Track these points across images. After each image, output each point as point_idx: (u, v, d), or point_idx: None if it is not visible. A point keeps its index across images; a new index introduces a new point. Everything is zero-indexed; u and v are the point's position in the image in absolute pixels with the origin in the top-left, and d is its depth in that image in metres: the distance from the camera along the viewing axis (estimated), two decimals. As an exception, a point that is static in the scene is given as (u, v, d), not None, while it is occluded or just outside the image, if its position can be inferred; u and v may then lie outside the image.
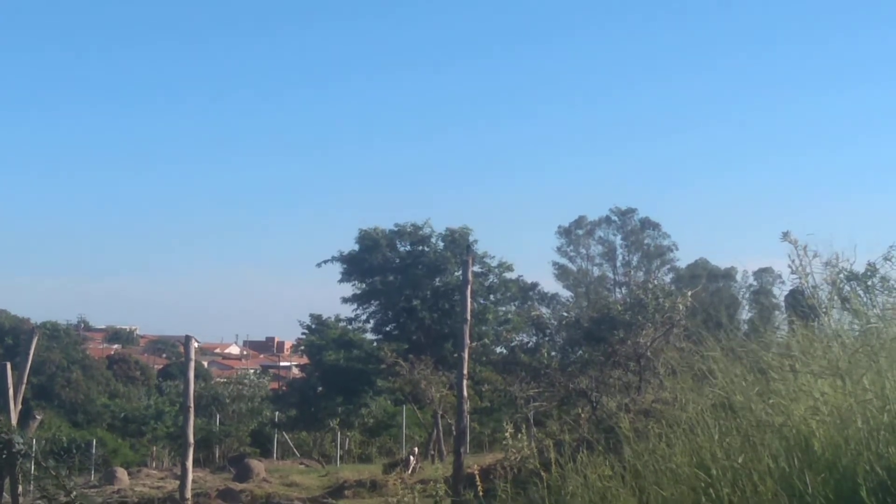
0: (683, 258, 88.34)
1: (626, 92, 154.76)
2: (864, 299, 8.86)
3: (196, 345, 14.01)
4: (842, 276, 9.09)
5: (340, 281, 51.56)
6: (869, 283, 9.32)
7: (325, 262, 51.82)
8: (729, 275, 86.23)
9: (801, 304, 9.15)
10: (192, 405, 13.09)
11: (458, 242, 48.70)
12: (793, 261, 9.08)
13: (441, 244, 50.89)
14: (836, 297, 8.85)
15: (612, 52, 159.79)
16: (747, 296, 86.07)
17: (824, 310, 8.63)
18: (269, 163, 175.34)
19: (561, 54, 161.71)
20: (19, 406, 13.70)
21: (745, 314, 75.22)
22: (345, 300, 51.18)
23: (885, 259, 9.41)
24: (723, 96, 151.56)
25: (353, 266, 50.90)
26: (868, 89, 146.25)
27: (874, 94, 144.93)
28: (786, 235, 9.19)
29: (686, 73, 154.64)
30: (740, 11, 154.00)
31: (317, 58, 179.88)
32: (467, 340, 12.91)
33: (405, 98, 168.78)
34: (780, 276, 67.06)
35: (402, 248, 51.62)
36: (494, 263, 51.26)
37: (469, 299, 13.21)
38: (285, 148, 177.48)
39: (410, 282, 49.83)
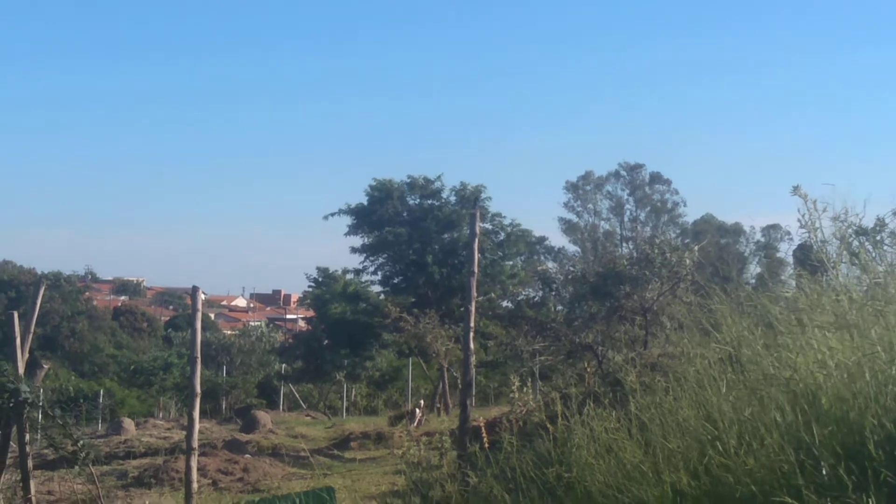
0: (691, 214, 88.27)
1: (637, 47, 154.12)
2: (873, 254, 8.83)
3: (203, 296, 14.00)
4: (850, 230, 9.04)
5: (348, 233, 51.49)
6: (878, 237, 9.27)
7: (333, 214, 51.69)
8: (736, 230, 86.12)
9: (809, 259, 9.12)
10: (198, 356, 13.10)
11: (470, 199, 48.59)
12: (802, 215, 9.04)
13: (454, 198, 50.75)
14: (844, 252, 8.81)
15: (623, 7, 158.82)
16: (755, 251, 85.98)
17: (832, 264, 8.59)
18: (276, 116, 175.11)
19: (572, 9, 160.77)
20: (26, 355, 13.73)
21: (752, 270, 75.18)
22: (353, 250, 51.10)
23: (895, 214, 9.35)
24: (734, 52, 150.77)
25: (362, 218, 50.78)
26: (880, 48, 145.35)
27: (886, 52, 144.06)
28: (796, 189, 9.15)
29: (697, 28, 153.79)
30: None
31: (325, 9, 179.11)
32: (474, 293, 12.88)
33: (414, 53, 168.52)
34: (788, 233, 66.93)
35: (412, 202, 51.48)
36: (507, 222, 51.15)
37: (476, 252, 13.17)
38: (292, 101, 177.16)
39: (420, 235, 49.74)
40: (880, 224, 9.43)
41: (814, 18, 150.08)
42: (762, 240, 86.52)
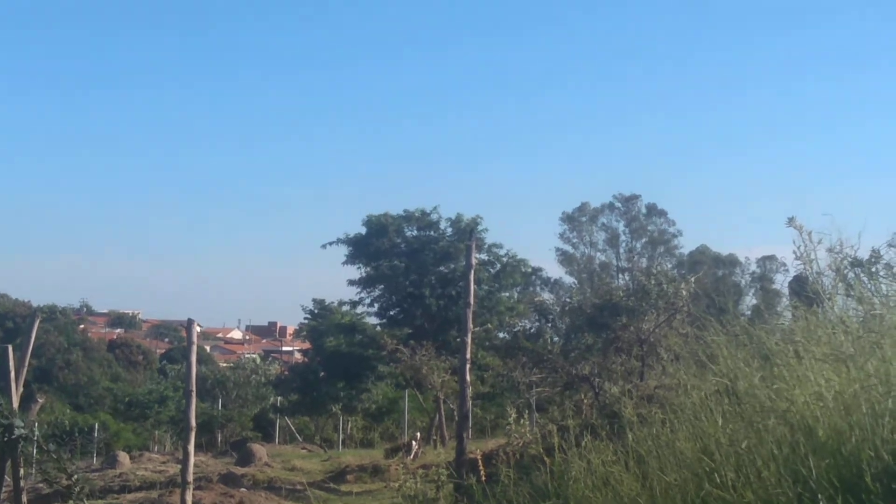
0: (687, 245, 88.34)
1: (631, 78, 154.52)
2: (868, 286, 8.84)
3: (198, 329, 13.97)
4: (846, 262, 9.05)
5: (345, 263, 51.48)
6: (873, 269, 9.28)
7: (331, 243, 51.68)
8: (732, 261, 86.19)
9: (805, 291, 9.13)
10: (194, 389, 13.08)
11: (467, 230, 48.64)
12: (797, 247, 9.07)
13: (450, 230, 50.78)
14: (839, 284, 8.82)
15: (618, 39, 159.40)
16: (751, 283, 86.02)
17: (828, 296, 8.60)
18: (272, 146, 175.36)
19: (565, 40, 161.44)
20: (20, 389, 13.68)
21: (748, 301, 75.18)
22: (350, 282, 51.09)
23: (890, 245, 9.37)
24: (730, 82, 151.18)
25: (359, 249, 50.77)
26: (875, 74, 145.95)
27: (881, 79, 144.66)
28: (791, 221, 9.17)
29: (692, 59, 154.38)
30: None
31: (322, 41, 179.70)
32: (470, 325, 12.88)
33: (409, 83, 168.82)
34: (783, 264, 66.99)
35: (409, 234, 51.50)
36: (503, 253, 51.18)
37: (472, 284, 13.18)
38: (289, 132, 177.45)
39: (417, 267, 49.73)
40: (875, 256, 9.44)
41: (813, 49, 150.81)
42: (758, 271, 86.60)
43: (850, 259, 9.10)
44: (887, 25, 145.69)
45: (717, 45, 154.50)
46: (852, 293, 8.59)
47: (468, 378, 12.85)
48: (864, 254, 9.17)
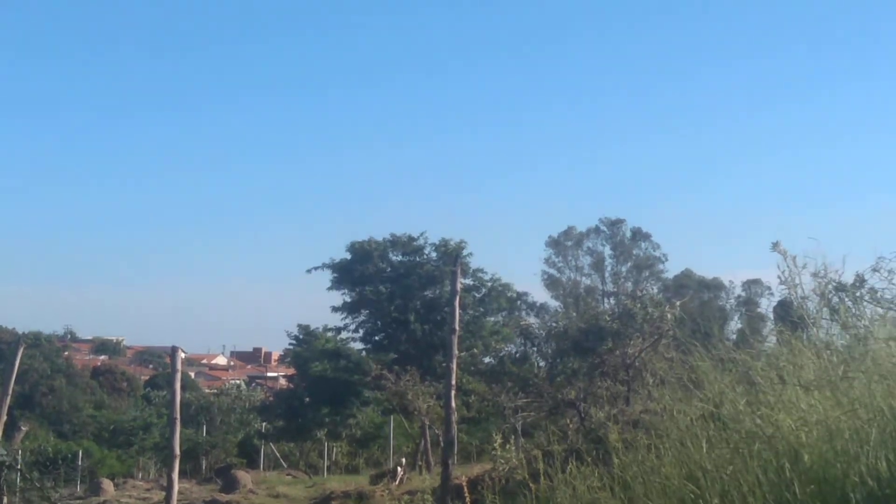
0: (671, 269, 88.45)
1: (616, 103, 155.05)
2: (853, 310, 8.84)
3: (183, 355, 13.92)
4: (830, 287, 9.07)
5: (330, 289, 51.47)
6: (857, 294, 9.29)
7: (315, 268, 51.68)
8: (717, 285, 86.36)
9: (789, 315, 9.14)
10: (178, 417, 13.02)
11: (452, 255, 48.71)
12: (782, 271, 9.08)
13: (434, 255, 50.85)
14: (824, 308, 8.84)
15: (602, 64, 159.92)
16: (736, 307, 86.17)
17: (812, 321, 8.61)
18: (256, 171, 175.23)
19: (549, 64, 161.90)
20: (4, 417, 13.61)
21: (733, 325, 75.29)
22: (335, 309, 51.05)
23: (874, 270, 9.37)
24: (712, 107, 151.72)
25: (344, 275, 50.77)
26: (860, 97, 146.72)
27: (866, 102, 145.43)
28: (775, 246, 9.18)
29: (674, 83, 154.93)
30: (728, 20, 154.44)
31: (306, 66, 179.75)
32: (455, 351, 12.86)
33: (394, 108, 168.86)
34: (769, 288, 67.12)
35: (394, 259, 51.55)
36: (487, 277, 51.25)
37: (457, 310, 13.16)
38: (272, 156, 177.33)
39: (402, 292, 49.74)
40: (860, 280, 9.46)
41: (794, 74, 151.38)
42: (743, 295, 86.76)
43: (834, 283, 9.11)
44: (863, 46, 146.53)
45: (701, 69, 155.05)
46: (837, 318, 8.60)
47: (453, 404, 12.83)
48: (848, 278, 9.19)
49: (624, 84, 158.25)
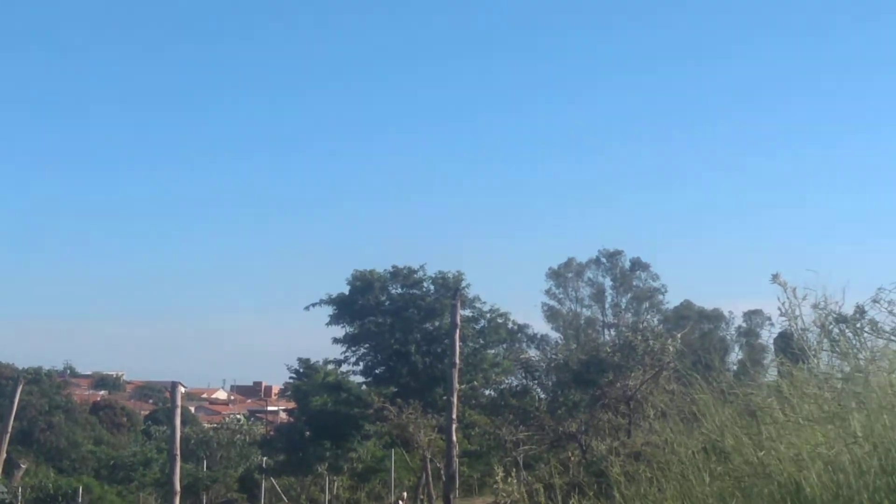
0: (672, 300, 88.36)
1: (616, 143, 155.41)
2: (854, 342, 8.84)
3: (182, 390, 13.91)
4: (830, 318, 9.07)
5: (329, 324, 51.40)
6: (858, 325, 9.29)
7: (314, 304, 51.65)
8: (717, 316, 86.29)
9: (790, 347, 9.13)
10: (178, 453, 13.00)
11: (451, 287, 48.67)
12: (782, 303, 9.08)
13: (433, 288, 50.84)
14: (825, 340, 8.83)
15: (603, 103, 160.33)
16: (736, 337, 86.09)
17: (813, 352, 8.61)
18: (256, 210, 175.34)
19: (550, 106, 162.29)
20: (3, 454, 13.59)
21: (734, 356, 75.21)
22: (335, 340, 50.98)
23: (874, 301, 9.37)
24: (713, 142, 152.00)
25: (344, 308, 50.74)
26: (860, 136, 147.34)
27: (864, 140, 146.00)
28: (775, 277, 9.19)
29: (676, 123, 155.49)
30: (730, 63, 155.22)
31: (308, 114, 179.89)
32: (456, 384, 12.86)
33: (395, 148, 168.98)
34: (769, 318, 67.06)
35: (394, 291, 51.55)
36: (486, 308, 51.21)
37: (457, 342, 13.17)
38: (273, 197, 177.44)
39: (402, 325, 49.69)
40: (860, 312, 9.46)
41: (792, 110, 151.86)
42: (744, 325, 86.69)
43: (834, 315, 9.12)
44: (866, 90, 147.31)
45: (704, 114, 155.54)
46: (837, 349, 8.59)
47: (454, 438, 12.81)
48: (848, 309, 9.19)
49: (622, 128, 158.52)
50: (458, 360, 12.97)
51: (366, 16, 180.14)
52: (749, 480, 6.98)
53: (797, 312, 8.99)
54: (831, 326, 9.00)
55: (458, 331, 13.08)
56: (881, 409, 6.85)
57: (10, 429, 13.53)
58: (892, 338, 8.64)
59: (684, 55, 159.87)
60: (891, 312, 8.93)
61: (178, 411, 13.01)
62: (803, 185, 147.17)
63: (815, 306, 8.99)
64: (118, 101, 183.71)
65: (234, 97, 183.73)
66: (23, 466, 14.75)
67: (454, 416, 12.68)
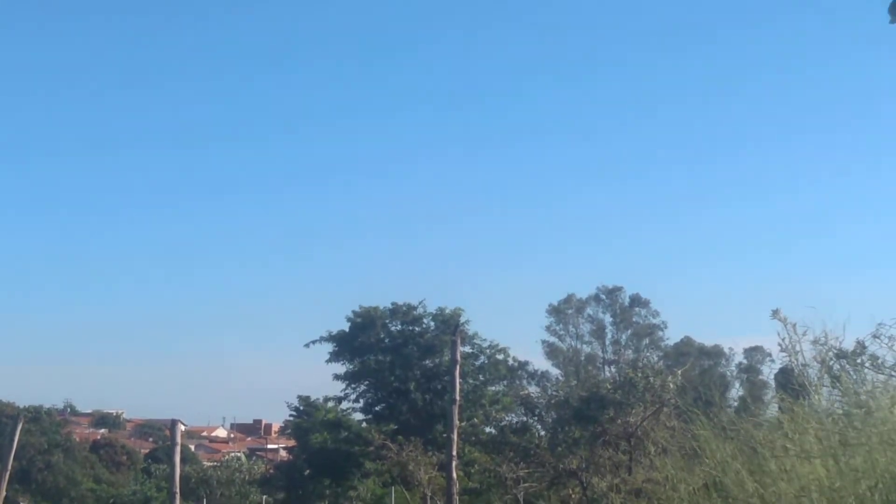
0: (671, 336, 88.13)
1: (616, 180, 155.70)
2: (854, 377, 8.83)
3: (182, 428, 13.88)
4: (831, 353, 9.06)
5: (329, 361, 51.34)
6: (858, 360, 9.28)
7: (314, 342, 51.62)
8: (717, 353, 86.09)
9: (790, 383, 9.12)
10: (178, 490, 12.96)
11: (450, 323, 48.60)
12: (782, 339, 9.07)
13: (433, 324, 50.80)
14: (825, 376, 8.82)
15: (603, 140, 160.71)
16: (737, 374, 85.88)
17: (814, 388, 8.60)
18: (256, 248, 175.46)
19: (551, 139, 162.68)
20: (3, 493, 13.55)
21: (735, 393, 74.99)
22: (336, 377, 50.90)
23: (874, 337, 9.36)
24: (713, 181, 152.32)
25: (344, 345, 50.68)
26: (858, 174, 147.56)
27: (863, 178, 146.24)
28: (776, 313, 9.19)
29: (676, 159, 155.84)
30: (728, 101, 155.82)
31: (303, 154, 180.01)
32: (456, 421, 12.83)
33: (394, 185, 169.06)
34: (769, 355, 66.96)
35: (393, 328, 51.51)
36: (486, 345, 51.14)
37: (457, 379, 13.15)
38: (272, 235, 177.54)
39: (402, 361, 49.63)
40: (860, 347, 9.45)
41: (791, 147, 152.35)
42: (744, 362, 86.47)
43: (835, 350, 9.11)
44: (864, 126, 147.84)
45: (704, 151, 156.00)
46: (838, 385, 8.58)
47: (454, 475, 12.77)
48: (849, 345, 9.18)
49: (623, 165, 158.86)
50: (458, 397, 12.94)
51: (365, 60, 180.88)
52: (750, 517, 6.96)
53: (797, 348, 8.99)
54: (832, 362, 8.99)
55: (458, 367, 13.07)
56: (883, 444, 6.83)
57: (9, 467, 13.47)
58: (893, 373, 8.63)
59: (685, 94, 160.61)
60: (891, 348, 8.93)
61: (178, 449, 12.97)
62: (804, 221, 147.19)
63: (815, 342, 8.99)
64: (110, 144, 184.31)
65: (229, 138, 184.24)
66: (21, 505, 14.69)
67: (454, 454, 12.64)
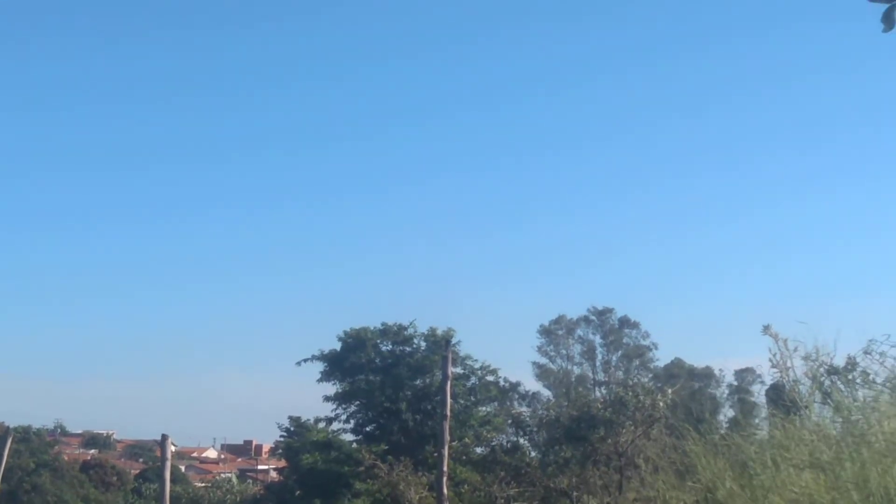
0: (661, 358, 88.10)
1: (605, 197, 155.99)
2: (845, 393, 8.84)
3: (173, 448, 13.83)
4: (822, 370, 9.07)
5: (320, 380, 51.20)
6: (850, 377, 9.29)
7: (306, 360, 51.48)
8: (707, 374, 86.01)
9: (781, 399, 9.12)
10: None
11: (441, 343, 48.51)
12: (773, 355, 9.09)
13: (423, 344, 50.71)
14: (816, 392, 8.83)
15: (593, 161, 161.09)
16: (727, 396, 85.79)
17: (805, 404, 8.60)
18: (246, 267, 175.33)
19: (541, 158, 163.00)
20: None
21: (725, 414, 74.92)
22: (326, 398, 50.76)
23: (865, 353, 9.38)
24: (704, 200, 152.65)
25: (335, 365, 50.57)
26: (856, 191, 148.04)
27: (856, 196, 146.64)
28: (766, 329, 9.21)
29: (666, 179, 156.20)
30: (717, 116, 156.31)
31: (294, 171, 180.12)
32: (447, 437, 12.80)
33: (385, 204, 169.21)
34: (760, 377, 66.85)
35: (384, 348, 51.41)
36: (477, 366, 51.05)
37: (448, 395, 13.13)
38: (263, 255, 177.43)
39: (393, 382, 49.51)
40: (851, 363, 9.46)
41: (782, 164, 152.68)
42: (735, 383, 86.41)
43: (826, 367, 9.12)
44: (862, 143, 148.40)
45: (695, 171, 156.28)
46: (829, 401, 8.59)
47: (445, 492, 12.74)
48: (840, 361, 9.19)
49: (615, 185, 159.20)
50: (448, 413, 12.91)
51: (359, 74, 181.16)
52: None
53: (788, 364, 9.00)
54: (823, 378, 9.00)
55: (448, 382, 13.05)
56: (874, 459, 6.83)
57: (-2, 482, 13.41)
58: (884, 389, 8.63)
59: (670, 108, 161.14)
60: (882, 364, 8.94)
61: (168, 464, 12.93)
62: (794, 240, 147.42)
63: (806, 358, 9.00)
64: (100, 157, 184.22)
65: (219, 153, 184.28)
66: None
67: (445, 469, 12.61)
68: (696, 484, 8.06)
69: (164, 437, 13.08)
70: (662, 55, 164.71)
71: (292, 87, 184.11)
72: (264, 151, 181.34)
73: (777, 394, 9.80)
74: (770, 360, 9.11)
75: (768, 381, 9.99)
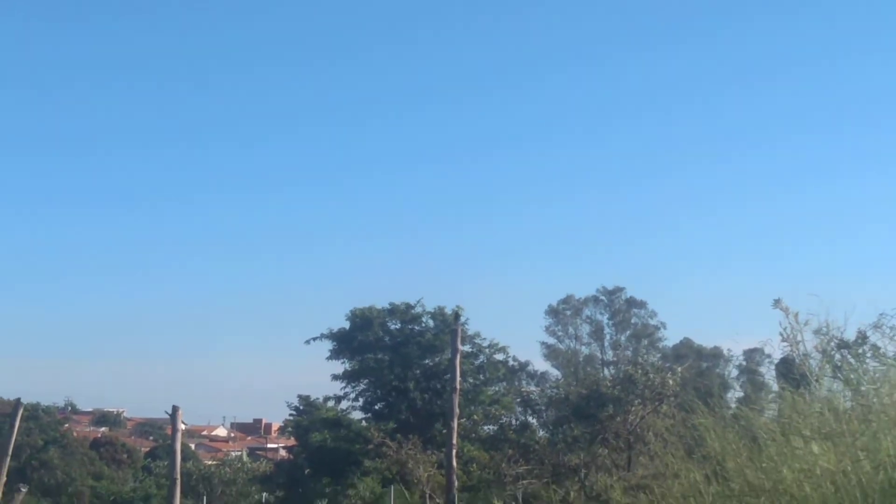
0: (670, 338, 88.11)
1: (614, 181, 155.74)
2: (855, 366, 8.83)
3: (183, 425, 13.87)
4: (832, 344, 9.07)
5: (329, 359, 51.31)
6: (860, 350, 9.28)
7: (315, 339, 51.60)
8: (716, 354, 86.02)
9: (791, 373, 9.12)
10: (178, 476, 12.94)
11: (450, 322, 48.57)
12: (784, 328, 9.07)
13: (432, 323, 50.80)
14: (826, 365, 8.83)
15: (604, 143, 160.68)
16: (737, 376, 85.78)
17: (815, 377, 8.60)
18: (255, 246, 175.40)
19: (552, 141, 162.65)
20: (4, 478, 13.55)
21: (734, 394, 74.92)
22: (335, 377, 50.89)
23: (876, 327, 9.37)
24: (713, 185, 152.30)
25: (344, 344, 50.68)
26: (866, 176, 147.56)
27: (866, 177, 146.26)
28: (777, 303, 9.18)
29: (676, 165, 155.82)
30: (728, 104, 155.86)
31: (302, 153, 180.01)
32: (456, 409, 12.84)
33: (394, 186, 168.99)
34: (769, 356, 66.80)
35: (393, 327, 51.50)
36: (485, 344, 51.11)
37: (458, 368, 13.15)
38: (272, 234, 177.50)
39: (401, 360, 49.62)
40: (861, 337, 9.45)
41: (793, 148, 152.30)
42: (744, 363, 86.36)
43: (836, 341, 9.11)
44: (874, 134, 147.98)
45: (703, 157, 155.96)
46: (839, 375, 8.59)
47: (454, 464, 12.76)
48: (850, 335, 9.18)
49: (622, 169, 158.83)
50: (458, 386, 12.94)
51: (364, 59, 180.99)
52: (751, 501, 6.95)
53: (799, 338, 8.98)
54: (833, 352, 9.00)
55: (458, 356, 13.06)
56: (885, 429, 6.83)
57: (10, 451, 13.49)
58: (895, 362, 8.63)
59: (685, 97, 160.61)
60: (892, 338, 8.93)
61: (179, 435, 12.96)
62: (806, 222, 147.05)
63: (817, 332, 8.99)
64: (113, 142, 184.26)
65: (230, 137, 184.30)
66: (23, 490, 14.63)
67: (454, 442, 12.64)
68: (705, 456, 8.06)
69: (175, 409, 13.11)
70: (676, 38, 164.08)
71: (304, 66, 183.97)
72: (268, 132, 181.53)
73: (787, 368, 9.80)
74: (781, 334, 9.09)
75: (778, 355, 9.96)
